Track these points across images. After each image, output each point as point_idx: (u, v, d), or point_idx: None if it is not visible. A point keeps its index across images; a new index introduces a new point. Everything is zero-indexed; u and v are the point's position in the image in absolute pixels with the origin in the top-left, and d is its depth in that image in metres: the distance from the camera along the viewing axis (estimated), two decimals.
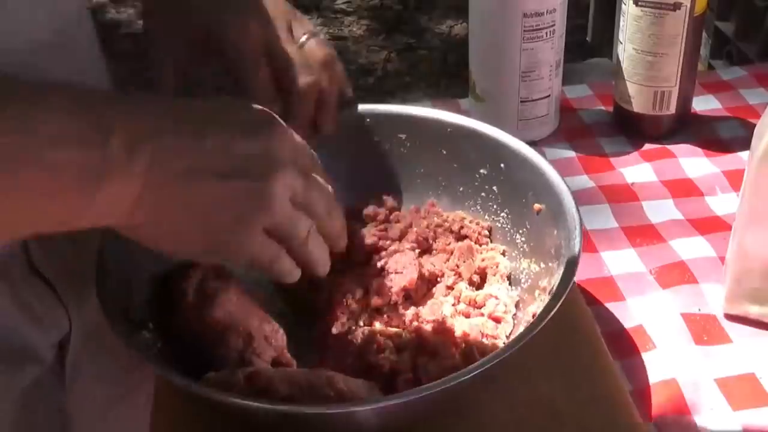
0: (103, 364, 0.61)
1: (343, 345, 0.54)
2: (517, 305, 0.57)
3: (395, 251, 0.58)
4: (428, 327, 0.54)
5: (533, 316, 0.51)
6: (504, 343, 0.54)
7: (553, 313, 0.46)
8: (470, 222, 0.61)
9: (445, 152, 0.62)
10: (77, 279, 0.57)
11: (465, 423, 0.51)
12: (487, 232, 0.61)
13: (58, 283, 0.55)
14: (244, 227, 0.41)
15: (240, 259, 0.43)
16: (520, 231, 0.59)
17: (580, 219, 0.53)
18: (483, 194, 0.62)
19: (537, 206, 0.57)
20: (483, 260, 0.59)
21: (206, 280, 0.50)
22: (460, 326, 0.54)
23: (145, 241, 0.42)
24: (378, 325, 0.55)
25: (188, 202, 0.40)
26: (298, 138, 0.44)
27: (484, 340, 0.53)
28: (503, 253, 0.60)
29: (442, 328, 0.54)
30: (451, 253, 0.59)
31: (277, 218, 0.42)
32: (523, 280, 0.58)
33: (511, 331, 0.55)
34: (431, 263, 0.59)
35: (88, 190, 0.38)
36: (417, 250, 0.59)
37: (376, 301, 0.56)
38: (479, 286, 0.58)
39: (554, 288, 0.50)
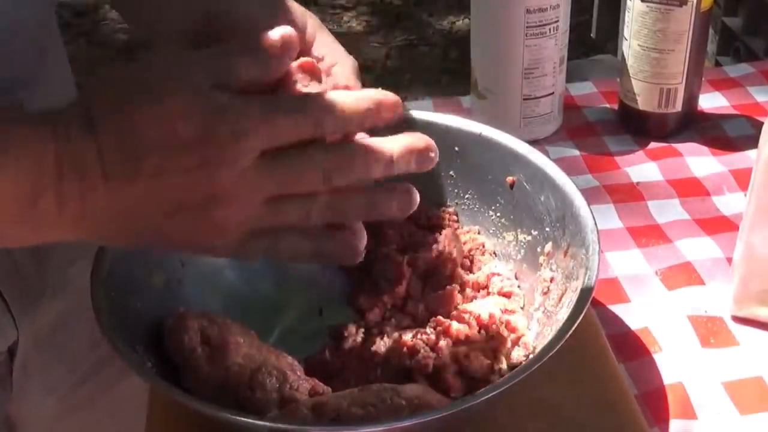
0: (56, 375, 0.60)
1: (362, 359, 0.53)
2: (515, 277, 0.58)
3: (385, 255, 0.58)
4: (448, 318, 0.54)
5: (551, 281, 0.53)
6: (523, 315, 0.54)
7: (584, 313, 0.46)
8: (435, 210, 0.61)
9: None
10: (30, 290, 0.56)
11: (466, 425, 0.50)
12: (455, 217, 0.61)
13: (7, 291, 0.54)
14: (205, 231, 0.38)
15: (227, 253, 0.40)
16: (493, 207, 0.59)
17: (594, 220, 0.52)
18: (440, 181, 0.61)
19: (510, 179, 0.57)
20: (465, 243, 0.59)
21: (205, 329, 0.49)
22: (477, 309, 0.54)
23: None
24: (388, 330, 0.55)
25: (129, 227, 0.38)
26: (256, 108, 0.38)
27: (504, 317, 0.53)
28: (478, 233, 0.60)
29: (461, 315, 0.54)
30: (432, 245, 0.59)
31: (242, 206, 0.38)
32: (513, 253, 0.58)
33: (524, 303, 0.56)
34: (419, 258, 0.58)
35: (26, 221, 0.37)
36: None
37: (373, 314, 0.55)
38: (470, 269, 0.59)
39: (570, 248, 0.51)
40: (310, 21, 0.48)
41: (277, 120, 0.38)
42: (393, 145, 0.41)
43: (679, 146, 0.78)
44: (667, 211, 0.70)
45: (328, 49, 0.47)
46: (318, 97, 0.39)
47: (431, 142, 0.43)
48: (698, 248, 0.65)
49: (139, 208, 0.37)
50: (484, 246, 0.59)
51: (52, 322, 0.58)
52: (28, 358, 0.57)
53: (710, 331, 0.58)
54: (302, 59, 0.42)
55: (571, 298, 0.49)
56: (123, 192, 0.37)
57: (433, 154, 0.42)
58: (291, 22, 0.45)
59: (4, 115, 0.37)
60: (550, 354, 0.44)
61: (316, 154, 0.39)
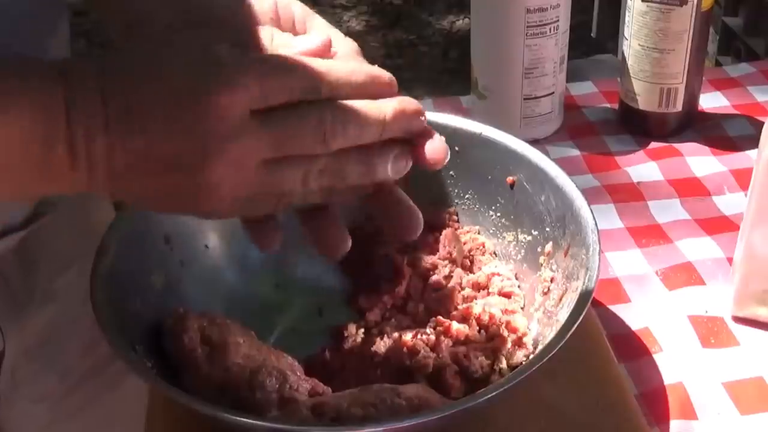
0: (45, 384, 0.59)
1: (362, 359, 0.53)
2: (515, 277, 0.58)
3: (385, 255, 0.58)
4: (448, 318, 0.54)
5: (551, 281, 0.53)
6: (523, 316, 0.54)
7: (584, 313, 0.46)
8: (435, 210, 0.61)
9: None
10: (17, 299, 0.56)
11: (466, 425, 0.50)
12: (455, 217, 0.61)
13: None
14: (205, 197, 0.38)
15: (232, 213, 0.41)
16: (493, 207, 0.59)
17: (595, 220, 0.52)
18: (440, 181, 0.61)
19: (510, 179, 0.57)
20: (465, 243, 0.59)
21: (205, 329, 0.49)
22: (477, 309, 0.54)
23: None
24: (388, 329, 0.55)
25: (142, 191, 0.39)
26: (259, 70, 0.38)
27: (504, 317, 0.53)
28: (478, 233, 0.60)
29: (462, 315, 0.54)
30: (432, 245, 0.59)
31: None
32: (513, 253, 0.58)
33: (524, 303, 0.56)
34: (419, 258, 0.58)
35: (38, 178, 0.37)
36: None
37: (373, 314, 0.56)
38: (470, 269, 0.58)
39: (570, 248, 0.51)
40: (298, 8, 0.47)
41: (273, 75, 0.38)
42: (386, 107, 0.41)
43: (680, 146, 0.77)
44: (668, 211, 0.70)
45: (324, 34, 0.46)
46: (314, 59, 0.40)
47: (419, 105, 0.43)
48: (699, 248, 0.65)
49: (136, 165, 0.37)
50: (484, 246, 0.59)
51: (40, 331, 0.58)
52: (16, 367, 0.56)
53: (711, 331, 0.58)
54: None
55: (571, 299, 0.49)
56: (121, 147, 0.37)
57: (423, 117, 0.43)
58: (274, 9, 0.45)
59: (17, 66, 0.37)
60: (551, 354, 0.44)
61: (312, 113, 0.38)
